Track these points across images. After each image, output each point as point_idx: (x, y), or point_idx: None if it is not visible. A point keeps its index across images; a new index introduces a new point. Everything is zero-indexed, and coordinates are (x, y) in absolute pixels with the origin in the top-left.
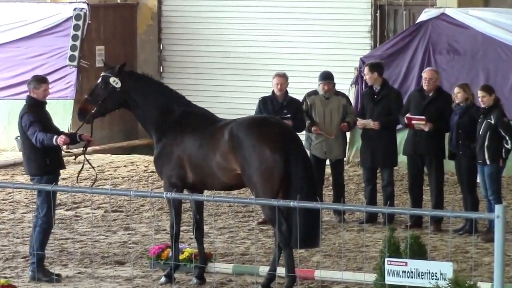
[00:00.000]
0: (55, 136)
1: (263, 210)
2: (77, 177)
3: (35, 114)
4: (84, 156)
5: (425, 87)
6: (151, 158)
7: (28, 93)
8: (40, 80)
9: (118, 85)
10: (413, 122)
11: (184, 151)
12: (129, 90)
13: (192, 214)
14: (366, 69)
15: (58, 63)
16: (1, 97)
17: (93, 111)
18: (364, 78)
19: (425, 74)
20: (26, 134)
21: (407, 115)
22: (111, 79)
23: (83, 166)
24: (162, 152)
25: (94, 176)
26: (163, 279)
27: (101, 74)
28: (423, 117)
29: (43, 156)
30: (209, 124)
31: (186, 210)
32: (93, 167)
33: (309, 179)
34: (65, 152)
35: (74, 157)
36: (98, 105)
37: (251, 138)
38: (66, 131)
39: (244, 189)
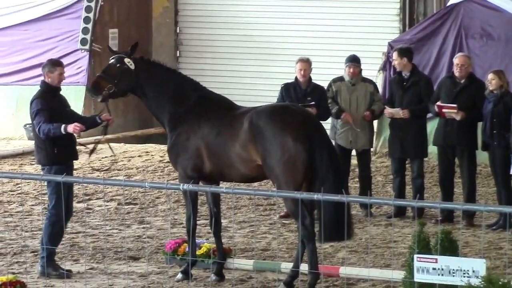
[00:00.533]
0: (63, 125)
1: (285, 203)
2: (90, 154)
3: (45, 101)
4: (104, 136)
5: (456, 74)
6: (163, 146)
7: (42, 78)
8: (55, 63)
9: (133, 66)
10: (444, 110)
11: (202, 139)
12: (142, 74)
13: (208, 207)
14: (394, 54)
15: (69, 47)
16: (9, 82)
17: (107, 89)
18: (392, 63)
19: (456, 60)
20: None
21: (438, 103)
22: (126, 60)
23: (97, 143)
24: (178, 141)
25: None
26: (179, 276)
27: (115, 55)
28: (454, 105)
29: (51, 146)
30: (227, 111)
31: (204, 203)
32: (112, 151)
33: (334, 170)
34: (79, 145)
35: (88, 150)
36: (113, 84)
37: (273, 127)
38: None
39: (265, 181)
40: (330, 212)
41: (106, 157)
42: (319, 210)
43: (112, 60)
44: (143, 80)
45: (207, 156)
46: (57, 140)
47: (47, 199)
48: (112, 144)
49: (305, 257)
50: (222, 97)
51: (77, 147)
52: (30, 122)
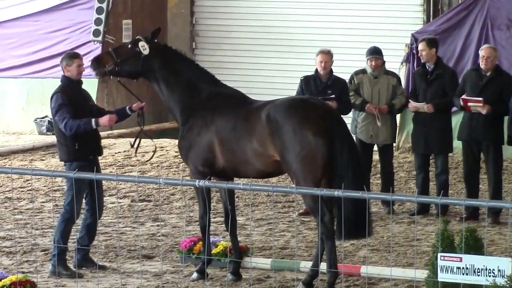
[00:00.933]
0: (94, 119)
1: (304, 200)
2: (135, 150)
3: (66, 95)
4: (142, 128)
5: (482, 66)
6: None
7: (55, 71)
8: (72, 56)
9: (146, 51)
10: (469, 104)
11: (215, 134)
12: (156, 61)
13: (223, 204)
14: (422, 44)
15: (81, 39)
16: (19, 75)
17: (108, 66)
18: (419, 54)
19: (482, 52)
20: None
21: (463, 96)
22: (141, 43)
23: (139, 137)
24: (189, 135)
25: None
26: (195, 275)
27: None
28: (480, 98)
29: (72, 141)
30: (242, 106)
31: (220, 200)
32: (151, 139)
33: (355, 166)
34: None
35: (132, 146)
36: (115, 62)
37: (291, 121)
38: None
39: (283, 176)
40: (349, 210)
41: (119, 152)
42: (338, 208)
43: (131, 41)
44: (157, 66)
45: (220, 152)
46: (79, 135)
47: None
48: (125, 139)
49: (325, 256)
50: (236, 91)
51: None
52: (40, 117)
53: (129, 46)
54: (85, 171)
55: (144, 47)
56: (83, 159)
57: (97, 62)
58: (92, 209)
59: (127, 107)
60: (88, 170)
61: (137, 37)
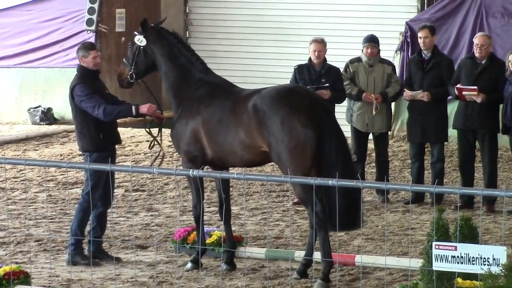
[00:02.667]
0: (134, 106)
1: (294, 190)
2: (150, 146)
3: (89, 85)
4: (160, 132)
5: (477, 54)
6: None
7: (65, 61)
8: (88, 47)
9: (143, 43)
10: (464, 93)
11: (202, 125)
12: (152, 48)
13: (218, 193)
14: (425, 31)
15: (74, 28)
16: (12, 65)
17: (129, 77)
18: (422, 41)
19: (476, 40)
20: (77, 107)
21: (458, 85)
22: (136, 38)
23: (156, 139)
24: (178, 124)
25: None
26: (189, 265)
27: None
28: (475, 87)
29: (96, 131)
30: (229, 97)
31: (215, 190)
32: (159, 144)
33: (343, 158)
34: (148, 132)
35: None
36: (131, 68)
37: (279, 111)
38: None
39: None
40: (340, 201)
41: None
42: (327, 199)
43: (129, 41)
44: (156, 53)
45: (207, 143)
46: (103, 124)
47: (83, 184)
48: (119, 129)
49: (318, 245)
50: (224, 81)
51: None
52: (33, 106)
53: (130, 46)
54: (106, 161)
55: (140, 40)
56: (106, 149)
57: (119, 78)
58: (105, 198)
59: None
60: (109, 160)
61: (133, 33)
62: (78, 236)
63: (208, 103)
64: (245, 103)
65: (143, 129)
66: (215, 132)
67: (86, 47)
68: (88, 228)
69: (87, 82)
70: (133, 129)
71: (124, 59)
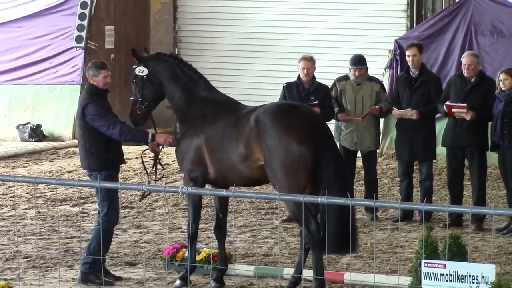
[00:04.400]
0: (151, 133)
1: (287, 207)
2: (149, 175)
3: (99, 103)
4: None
5: (465, 74)
6: (165, 149)
7: (49, 77)
8: (99, 66)
9: (145, 72)
10: (454, 110)
11: (204, 144)
12: (155, 74)
13: (215, 211)
14: (413, 50)
15: (63, 45)
16: (1, 81)
17: (139, 111)
18: (410, 59)
19: (464, 60)
20: (87, 125)
21: (447, 102)
22: (137, 69)
23: (156, 164)
24: (182, 142)
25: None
26: (178, 282)
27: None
28: (464, 104)
29: (105, 150)
30: (232, 113)
31: (204, 206)
32: (162, 166)
33: (341, 179)
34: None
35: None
36: (140, 102)
37: (278, 126)
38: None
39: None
40: (334, 222)
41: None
42: (322, 221)
43: (131, 78)
44: (159, 80)
45: (209, 161)
46: (112, 144)
47: (98, 206)
48: None
49: (308, 263)
50: (228, 98)
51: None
52: (23, 123)
53: (133, 80)
54: (115, 179)
55: (141, 70)
56: (113, 168)
57: (133, 118)
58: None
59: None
60: (116, 178)
61: (132, 68)
62: (96, 256)
63: (212, 121)
64: (247, 116)
65: (132, 146)
66: (217, 149)
67: (97, 66)
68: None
69: (97, 100)
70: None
71: (130, 98)
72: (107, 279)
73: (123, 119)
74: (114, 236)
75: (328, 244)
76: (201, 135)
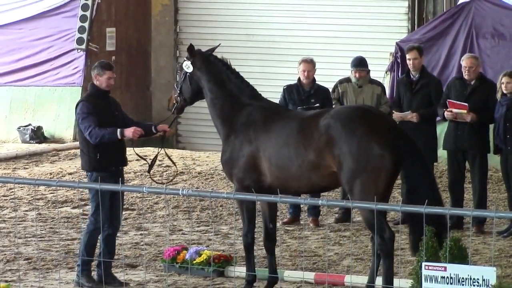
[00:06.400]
0: (119, 130)
1: (361, 214)
2: (149, 170)
3: (92, 104)
4: (163, 148)
5: (465, 77)
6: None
7: (45, 79)
8: (104, 67)
9: (190, 69)
10: (455, 110)
11: (260, 151)
12: (199, 75)
13: (263, 222)
14: (414, 53)
15: (64, 47)
16: (2, 83)
17: (175, 102)
18: (410, 62)
19: (464, 63)
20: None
21: (449, 100)
22: (184, 64)
23: (156, 158)
24: (231, 151)
25: (165, 170)
26: None
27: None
28: (466, 104)
29: (94, 151)
30: (291, 118)
31: (205, 209)
32: (173, 163)
33: (428, 181)
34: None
35: (147, 163)
36: (178, 94)
37: (357, 131)
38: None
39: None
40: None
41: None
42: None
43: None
44: (202, 81)
45: (267, 169)
46: (103, 145)
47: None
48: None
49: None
50: (276, 105)
51: (136, 158)
52: (23, 125)
53: (178, 71)
54: (107, 182)
55: (187, 66)
56: (104, 170)
57: (169, 103)
58: (111, 221)
59: (152, 126)
60: (110, 181)
61: (184, 58)
62: (85, 259)
63: (266, 128)
64: (315, 122)
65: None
66: (279, 157)
67: (103, 66)
68: (97, 251)
69: (92, 101)
70: (134, 149)
71: (174, 85)
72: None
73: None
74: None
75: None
76: (255, 142)
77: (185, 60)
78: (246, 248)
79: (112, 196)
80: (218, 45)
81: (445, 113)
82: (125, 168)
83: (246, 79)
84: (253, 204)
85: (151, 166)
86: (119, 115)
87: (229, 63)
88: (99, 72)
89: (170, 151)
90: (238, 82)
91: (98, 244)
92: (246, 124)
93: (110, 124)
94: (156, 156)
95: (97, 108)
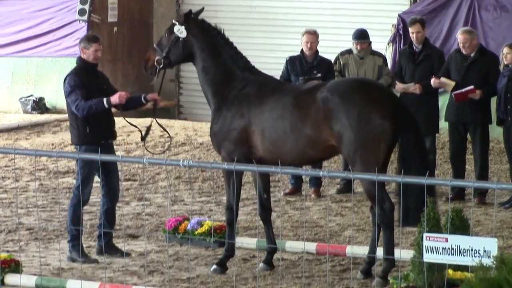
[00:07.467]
0: (105, 99)
1: (362, 185)
2: (143, 139)
3: (80, 78)
4: (155, 119)
5: (463, 51)
6: (168, 122)
7: (45, 50)
8: (90, 39)
9: (183, 34)
10: (442, 79)
11: (253, 125)
12: (192, 41)
13: (257, 193)
14: (417, 26)
15: (66, 18)
16: (3, 54)
17: (157, 63)
18: (414, 35)
19: (458, 38)
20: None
21: (454, 92)
22: (176, 28)
23: (149, 129)
24: (221, 123)
25: (167, 141)
26: (215, 267)
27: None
28: (471, 87)
29: (84, 124)
30: (286, 92)
31: (206, 180)
32: (167, 132)
33: (420, 151)
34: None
35: (140, 133)
36: (162, 56)
37: (356, 102)
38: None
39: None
40: (414, 197)
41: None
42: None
43: (166, 29)
44: (195, 48)
45: (260, 142)
46: (91, 118)
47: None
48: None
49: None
50: (271, 78)
51: (128, 126)
52: (25, 96)
53: (166, 35)
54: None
55: (180, 31)
56: (94, 143)
57: (145, 63)
58: (108, 194)
59: (142, 95)
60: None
61: (172, 22)
62: (73, 233)
63: (260, 102)
64: (312, 96)
65: (135, 118)
66: (273, 130)
67: (89, 39)
68: (98, 222)
69: (80, 74)
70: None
71: (155, 45)
72: (92, 258)
73: (128, 86)
74: (116, 208)
75: (409, 219)
76: (247, 116)
77: (175, 24)
78: (228, 224)
79: (106, 169)
80: (202, 8)
81: (432, 80)
82: (127, 139)
83: (240, 50)
84: (240, 177)
85: (145, 135)
86: (107, 89)
87: (223, 32)
88: (85, 45)
89: (172, 121)
90: (232, 53)
91: (98, 216)
92: (239, 96)
93: (99, 97)
94: (150, 126)
95: (84, 81)
